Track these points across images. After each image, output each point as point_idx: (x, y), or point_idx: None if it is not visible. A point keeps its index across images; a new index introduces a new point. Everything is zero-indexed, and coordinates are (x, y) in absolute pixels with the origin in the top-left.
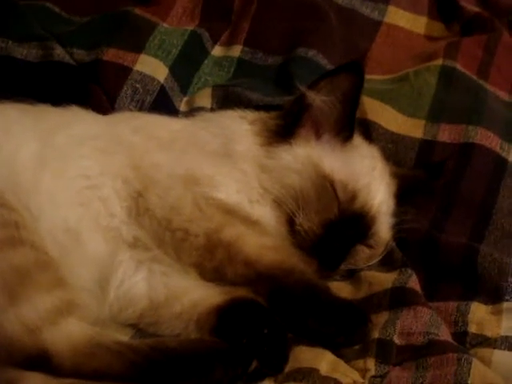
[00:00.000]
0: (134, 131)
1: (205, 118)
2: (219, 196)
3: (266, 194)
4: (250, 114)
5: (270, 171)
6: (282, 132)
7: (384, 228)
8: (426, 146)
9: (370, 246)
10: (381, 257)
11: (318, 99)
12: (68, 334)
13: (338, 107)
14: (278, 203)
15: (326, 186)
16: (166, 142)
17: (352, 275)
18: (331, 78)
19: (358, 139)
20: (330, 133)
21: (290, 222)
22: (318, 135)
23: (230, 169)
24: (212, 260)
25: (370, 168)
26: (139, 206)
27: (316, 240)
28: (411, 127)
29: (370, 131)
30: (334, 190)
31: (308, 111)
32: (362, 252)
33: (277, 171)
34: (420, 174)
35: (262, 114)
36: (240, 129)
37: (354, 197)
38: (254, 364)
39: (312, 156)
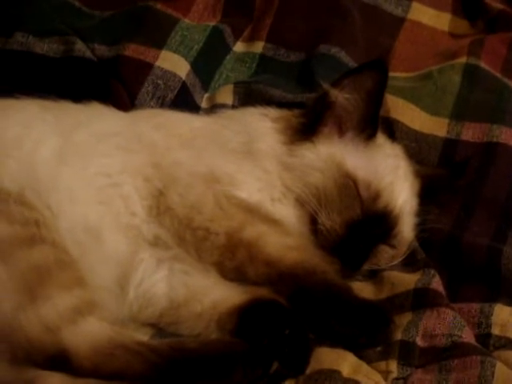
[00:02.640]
0: (155, 129)
1: (226, 116)
2: (241, 195)
3: (289, 192)
4: (272, 112)
5: (292, 169)
6: (305, 130)
7: (407, 228)
8: (450, 145)
9: (392, 246)
10: (403, 257)
11: (341, 97)
12: (88, 333)
13: (362, 105)
14: (300, 202)
15: (348, 185)
16: (187, 139)
17: (374, 275)
18: (355, 75)
19: (381, 138)
20: (353, 131)
21: (313, 221)
22: (340, 133)
23: (251, 167)
24: (233, 259)
25: (394, 167)
26: (160, 205)
27: (338, 240)
28: (435, 126)
29: (393, 129)
30: (357, 189)
31: (331, 109)
32: (385, 252)
33: (299, 170)
34: (443, 172)
35: (285, 112)
36: (262, 126)
37: (377, 196)
38: (275, 365)
39: (335, 154)
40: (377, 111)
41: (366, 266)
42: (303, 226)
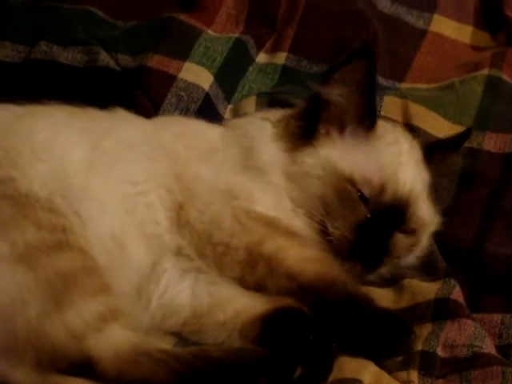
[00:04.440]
0: (176, 138)
1: (233, 125)
2: (258, 209)
3: (296, 205)
4: (274, 114)
5: (295, 179)
6: (304, 134)
7: (423, 206)
8: (471, 154)
9: (411, 230)
10: (425, 241)
11: (333, 94)
12: (112, 341)
13: (355, 98)
14: (308, 214)
15: (347, 189)
16: (204, 152)
17: (395, 282)
18: (342, 68)
19: (382, 126)
20: (352, 125)
21: (324, 232)
22: (340, 130)
23: (263, 182)
24: (254, 274)
25: (396, 154)
26: (180, 218)
27: (351, 245)
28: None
29: (414, 137)
30: (359, 190)
31: (325, 108)
32: (402, 241)
33: (301, 179)
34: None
35: (287, 112)
36: (262, 135)
37: (382, 189)
38: (298, 372)
39: (332, 157)
40: (372, 100)
41: (388, 260)
42: (318, 237)
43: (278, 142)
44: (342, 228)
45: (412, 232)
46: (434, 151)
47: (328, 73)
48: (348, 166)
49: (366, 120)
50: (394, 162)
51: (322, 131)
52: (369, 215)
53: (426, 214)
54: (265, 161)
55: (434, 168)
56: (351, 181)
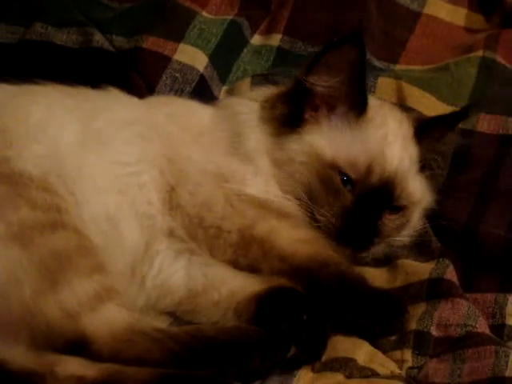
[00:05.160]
0: (169, 119)
1: (222, 106)
2: (250, 191)
3: (284, 192)
4: (262, 92)
5: (281, 165)
6: (289, 120)
7: (411, 182)
8: (465, 136)
9: (402, 207)
10: (416, 217)
11: (317, 81)
12: (107, 320)
13: (344, 83)
14: (295, 200)
15: (330, 176)
16: (196, 134)
17: (389, 262)
18: (331, 53)
19: (372, 108)
20: (342, 109)
21: (312, 218)
22: (327, 114)
23: (253, 165)
24: (246, 256)
25: (382, 136)
26: (172, 201)
27: (338, 231)
28: None
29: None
30: (345, 174)
31: (310, 96)
32: (391, 220)
33: (287, 165)
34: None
35: (273, 91)
36: (249, 119)
37: (368, 171)
38: (292, 351)
39: (316, 144)
40: (362, 86)
41: (379, 240)
42: (309, 220)
43: (265, 125)
44: (328, 215)
45: (403, 209)
46: (429, 128)
47: (314, 59)
48: (333, 151)
49: (357, 105)
50: (381, 143)
51: (308, 118)
52: (354, 200)
53: (417, 190)
54: (251, 147)
55: (429, 145)
56: (336, 166)
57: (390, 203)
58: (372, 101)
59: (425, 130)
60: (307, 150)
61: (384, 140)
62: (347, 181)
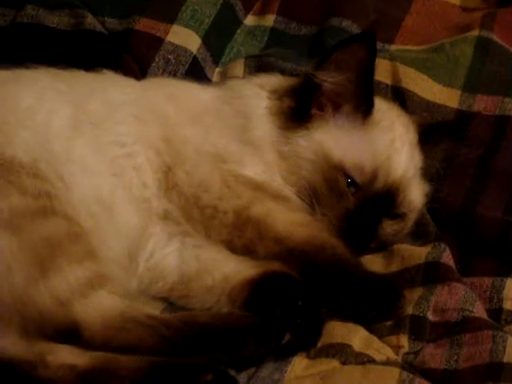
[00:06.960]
0: (167, 99)
1: (228, 87)
2: (247, 173)
3: (286, 184)
4: (269, 82)
5: (286, 159)
6: (297, 114)
7: (413, 189)
8: (462, 116)
9: (402, 215)
10: (412, 223)
11: (326, 78)
12: (99, 307)
13: (353, 82)
14: (298, 194)
15: (336, 178)
16: (195, 114)
17: (385, 248)
18: (340, 50)
19: (379, 111)
20: (347, 108)
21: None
22: (333, 113)
23: (253, 148)
24: (242, 237)
25: (390, 141)
26: (168, 181)
27: (338, 231)
28: (447, 97)
29: (404, 99)
30: (350, 177)
31: (318, 92)
32: (390, 226)
33: (293, 159)
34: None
35: (282, 83)
36: (257, 106)
37: (374, 176)
38: (287, 337)
39: (325, 143)
40: (370, 86)
41: (375, 244)
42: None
43: (273, 116)
44: (329, 215)
45: (401, 216)
46: (431, 133)
47: (324, 55)
48: (340, 152)
49: (363, 106)
50: (388, 148)
51: (316, 114)
52: (357, 204)
53: (417, 198)
54: (258, 135)
55: (428, 150)
56: (342, 168)
57: (391, 210)
58: (379, 103)
59: (428, 136)
60: (315, 149)
61: (391, 145)
62: (352, 183)
